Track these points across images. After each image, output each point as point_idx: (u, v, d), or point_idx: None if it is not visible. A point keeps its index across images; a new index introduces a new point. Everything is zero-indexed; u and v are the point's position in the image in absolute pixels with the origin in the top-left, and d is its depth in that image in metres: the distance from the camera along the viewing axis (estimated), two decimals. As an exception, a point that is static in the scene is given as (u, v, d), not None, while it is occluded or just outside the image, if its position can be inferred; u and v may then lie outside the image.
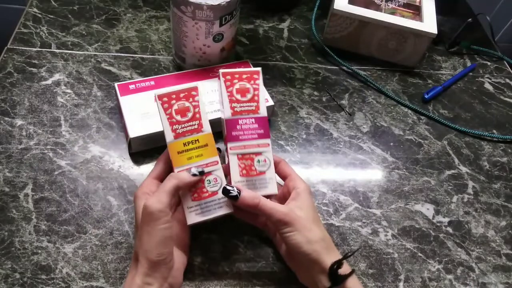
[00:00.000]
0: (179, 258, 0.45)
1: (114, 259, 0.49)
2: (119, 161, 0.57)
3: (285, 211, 0.44)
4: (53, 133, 0.59)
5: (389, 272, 0.52)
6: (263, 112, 0.49)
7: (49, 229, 0.50)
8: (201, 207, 0.46)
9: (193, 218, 0.46)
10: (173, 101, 0.47)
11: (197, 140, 0.47)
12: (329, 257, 0.43)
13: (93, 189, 0.54)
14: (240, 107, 0.49)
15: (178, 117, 0.47)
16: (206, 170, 0.46)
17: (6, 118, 0.59)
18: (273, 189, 0.48)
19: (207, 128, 0.47)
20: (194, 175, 0.45)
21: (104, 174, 0.56)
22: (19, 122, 0.59)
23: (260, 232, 0.53)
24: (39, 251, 0.49)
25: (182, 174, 0.45)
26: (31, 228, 0.50)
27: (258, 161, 0.48)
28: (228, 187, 0.45)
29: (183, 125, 0.47)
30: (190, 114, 0.47)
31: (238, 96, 0.49)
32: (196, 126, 0.47)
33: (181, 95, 0.47)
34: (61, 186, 0.54)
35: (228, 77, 0.49)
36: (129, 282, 0.41)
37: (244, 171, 0.48)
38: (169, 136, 0.46)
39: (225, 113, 0.48)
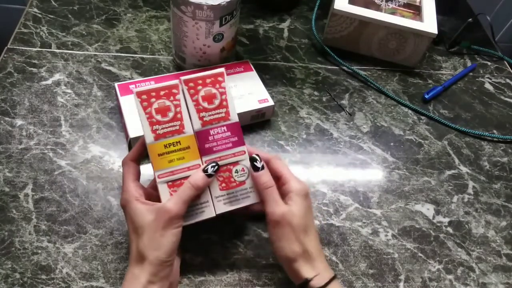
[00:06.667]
0: (176, 257, 0.46)
1: (114, 259, 0.49)
2: (119, 161, 0.57)
3: (281, 213, 0.44)
4: (53, 133, 0.59)
5: (389, 272, 0.52)
6: (234, 118, 0.47)
7: (49, 229, 0.50)
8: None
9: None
10: (153, 99, 0.44)
11: (179, 142, 0.45)
12: (307, 269, 0.43)
13: (93, 189, 0.54)
14: (209, 115, 0.46)
15: (159, 117, 0.44)
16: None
17: (6, 118, 0.59)
18: (255, 198, 0.47)
19: (189, 130, 0.45)
20: (210, 175, 0.45)
21: (104, 174, 0.56)
22: (19, 122, 0.59)
23: (260, 232, 0.53)
24: (39, 251, 0.49)
25: (197, 181, 0.44)
26: (31, 228, 0.50)
27: (236, 171, 0.46)
28: (257, 160, 0.46)
29: (163, 126, 0.45)
30: (171, 114, 0.45)
31: (205, 104, 0.46)
32: (177, 127, 0.45)
33: (161, 93, 0.44)
34: (61, 186, 0.54)
35: (191, 84, 0.46)
36: (131, 281, 0.41)
37: (224, 184, 0.46)
38: (149, 137, 0.44)
39: (194, 125, 0.46)
